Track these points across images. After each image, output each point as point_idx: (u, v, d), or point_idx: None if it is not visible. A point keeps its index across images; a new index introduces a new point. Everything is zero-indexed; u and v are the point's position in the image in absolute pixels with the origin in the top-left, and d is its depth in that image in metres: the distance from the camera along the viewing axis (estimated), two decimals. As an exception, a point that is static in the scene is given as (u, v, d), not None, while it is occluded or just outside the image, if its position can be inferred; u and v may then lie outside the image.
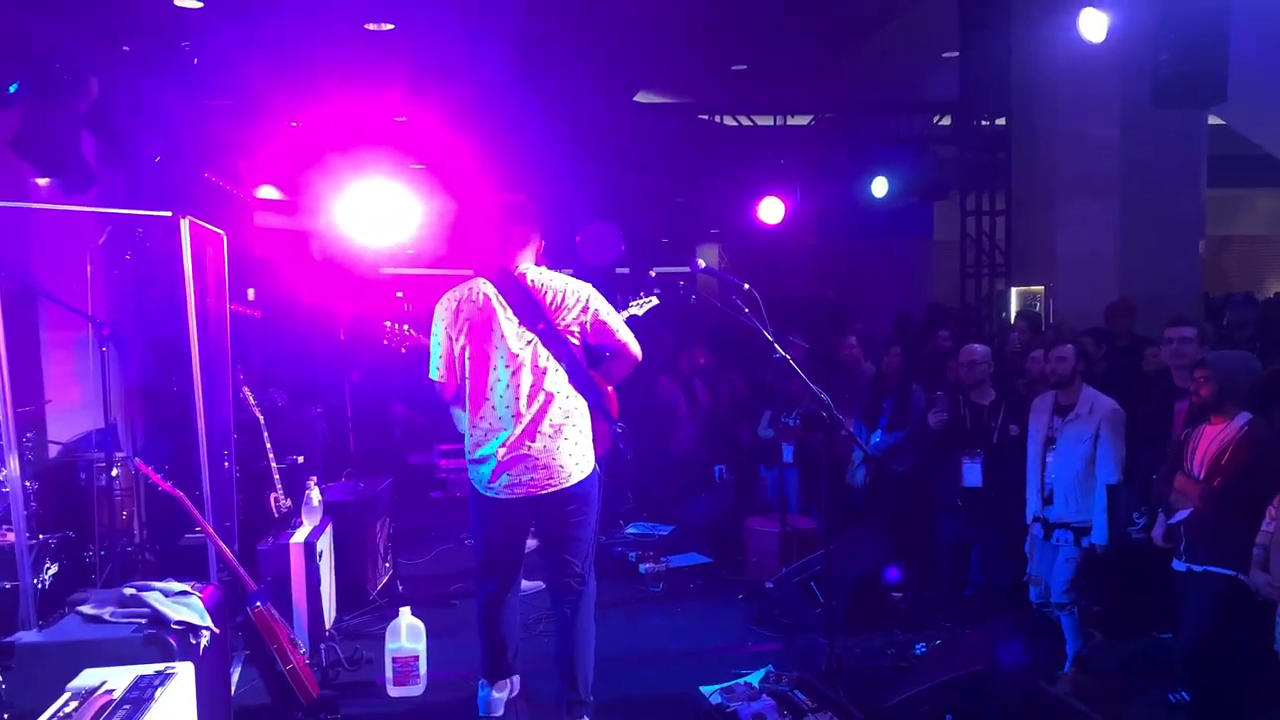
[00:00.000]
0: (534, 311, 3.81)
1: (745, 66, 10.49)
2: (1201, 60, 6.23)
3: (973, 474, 5.19)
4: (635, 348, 3.94)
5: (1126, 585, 5.28)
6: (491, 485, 3.85)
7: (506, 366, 3.80)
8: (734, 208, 10.87)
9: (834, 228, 13.51)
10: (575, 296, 3.85)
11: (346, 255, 8.68)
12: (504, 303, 3.84)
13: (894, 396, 6.13)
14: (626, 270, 9.67)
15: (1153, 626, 5.13)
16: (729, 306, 4.17)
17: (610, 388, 4.05)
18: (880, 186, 9.98)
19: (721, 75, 10.85)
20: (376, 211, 7.42)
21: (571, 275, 4.01)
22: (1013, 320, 8.81)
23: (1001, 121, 9.84)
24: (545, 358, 3.81)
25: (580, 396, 3.88)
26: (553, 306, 3.83)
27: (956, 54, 9.59)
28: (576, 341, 3.86)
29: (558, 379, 3.82)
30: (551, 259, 6.25)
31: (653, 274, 5.20)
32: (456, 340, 3.85)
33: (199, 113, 7.73)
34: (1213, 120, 9.31)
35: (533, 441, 3.80)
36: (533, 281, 3.87)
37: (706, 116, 10.15)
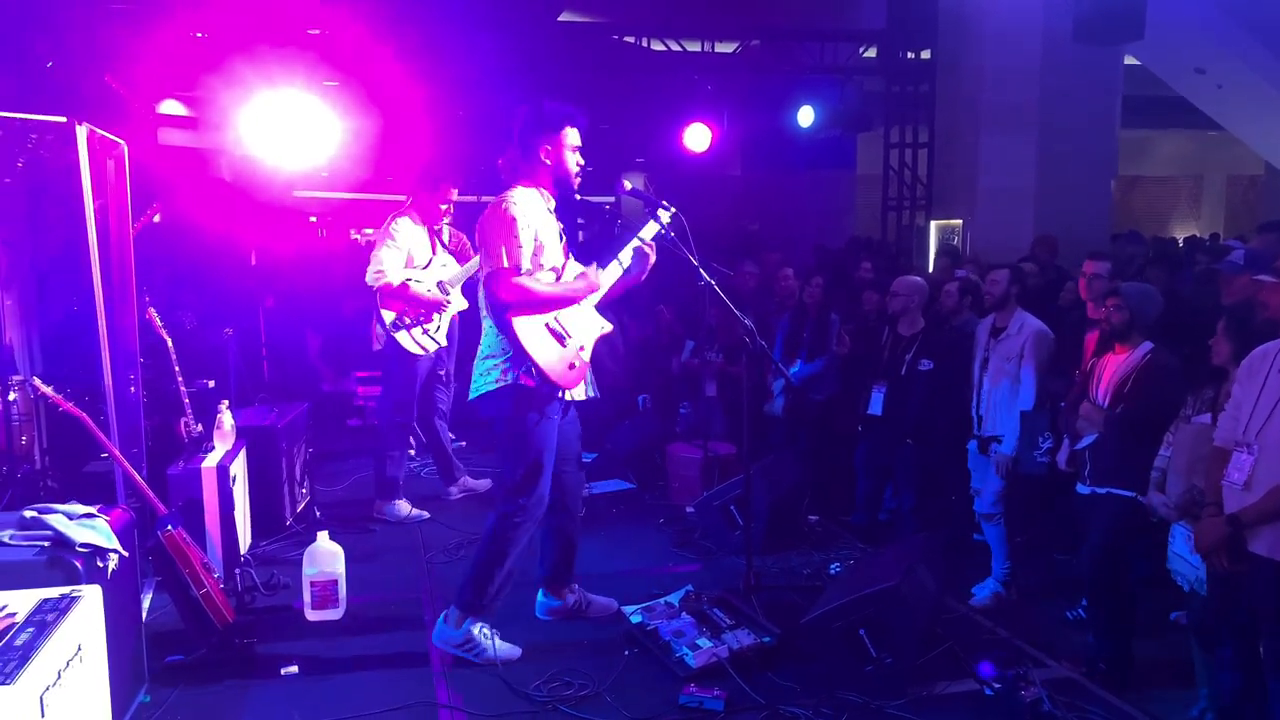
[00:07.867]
0: None
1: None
2: (1122, -3, 6.34)
3: (875, 403, 5.34)
4: None
5: (1030, 509, 5.51)
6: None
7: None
8: (660, 136, 10.68)
9: (758, 159, 13.47)
10: None
11: (256, 176, 8.33)
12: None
13: (813, 326, 6.20)
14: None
15: (1053, 548, 5.38)
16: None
17: None
18: (806, 116, 9.95)
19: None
20: (287, 129, 7.11)
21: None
22: (932, 255, 8.96)
23: (927, 54, 9.88)
24: None
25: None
26: None
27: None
28: None
29: None
30: (475, 184, 6.10)
31: (577, 198, 5.10)
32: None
33: (94, 16, 7.24)
34: (1127, 60, 9.50)
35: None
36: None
37: (632, 39, 9.92)
